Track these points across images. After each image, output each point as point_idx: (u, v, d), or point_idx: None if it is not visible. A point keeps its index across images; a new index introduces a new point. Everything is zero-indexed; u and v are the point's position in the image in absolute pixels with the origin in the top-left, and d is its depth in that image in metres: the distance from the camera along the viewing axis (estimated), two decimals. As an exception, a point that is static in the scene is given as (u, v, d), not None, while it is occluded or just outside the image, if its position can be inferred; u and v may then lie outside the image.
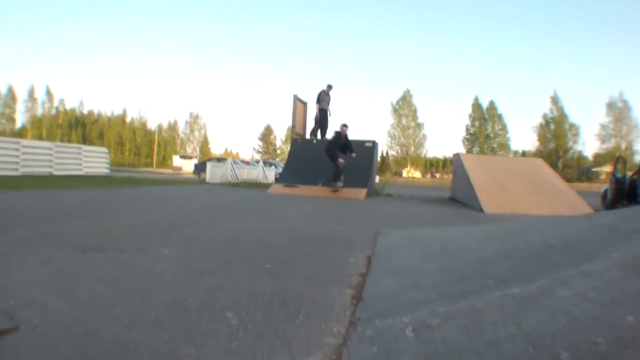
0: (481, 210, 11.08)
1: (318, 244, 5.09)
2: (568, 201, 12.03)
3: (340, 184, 14.89)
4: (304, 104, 20.92)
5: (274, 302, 2.83)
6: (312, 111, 19.39)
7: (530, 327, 1.68)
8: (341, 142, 15.38)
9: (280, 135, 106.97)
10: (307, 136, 20.17)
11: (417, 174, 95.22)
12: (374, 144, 17.31)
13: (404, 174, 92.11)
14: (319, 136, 19.18)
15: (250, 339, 2.20)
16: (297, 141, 18.76)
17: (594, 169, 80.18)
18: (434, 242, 4.52)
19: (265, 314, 2.60)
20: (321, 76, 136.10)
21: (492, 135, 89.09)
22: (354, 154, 15.33)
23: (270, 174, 33.69)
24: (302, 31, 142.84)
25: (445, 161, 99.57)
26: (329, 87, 19.19)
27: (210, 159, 40.28)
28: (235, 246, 4.80)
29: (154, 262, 3.85)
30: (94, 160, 25.94)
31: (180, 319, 2.48)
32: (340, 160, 14.92)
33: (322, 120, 19.17)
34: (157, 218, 7.08)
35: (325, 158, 15.22)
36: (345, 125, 15.45)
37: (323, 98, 18.80)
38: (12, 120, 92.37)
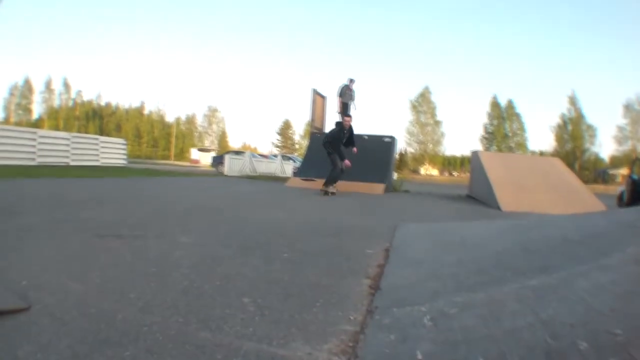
0: (498, 208, 10.93)
1: (336, 236, 5.09)
2: (584, 201, 11.84)
3: (333, 189, 12.25)
4: (323, 98, 20.80)
5: (291, 290, 2.84)
6: (333, 105, 19.33)
7: (548, 317, 1.67)
8: (343, 135, 12.84)
9: (299, 130, 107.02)
10: (326, 130, 19.78)
11: (435, 172, 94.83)
12: (393, 139, 17.10)
13: (422, 172, 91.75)
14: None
15: (266, 325, 2.21)
16: (316, 135, 18.58)
17: (610, 171, 79.10)
18: (452, 236, 4.50)
19: (282, 300, 2.61)
20: (341, 70, 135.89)
21: (510, 134, 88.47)
22: (355, 149, 13.15)
23: (288, 168, 33.71)
24: (322, 25, 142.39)
25: (463, 160, 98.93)
26: (351, 81, 18.94)
27: (228, 152, 40.36)
28: (253, 235, 4.83)
29: (171, 248, 3.90)
30: (111, 152, 26.00)
31: (196, 303, 2.50)
32: (347, 162, 12.61)
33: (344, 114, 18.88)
34: (175, 207, 7.15)
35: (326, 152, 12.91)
36: (348, 116, 13.23)
37: (345, 92, 18.67)
38: (29, 111, 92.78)
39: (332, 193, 12.05)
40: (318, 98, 20.07)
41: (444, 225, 5.99)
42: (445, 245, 3.99)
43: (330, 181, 12.29)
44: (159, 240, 4.20)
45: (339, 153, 12.73)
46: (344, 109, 18.77)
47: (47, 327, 2.07)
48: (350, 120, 13.04)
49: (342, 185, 14.21)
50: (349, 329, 2.15)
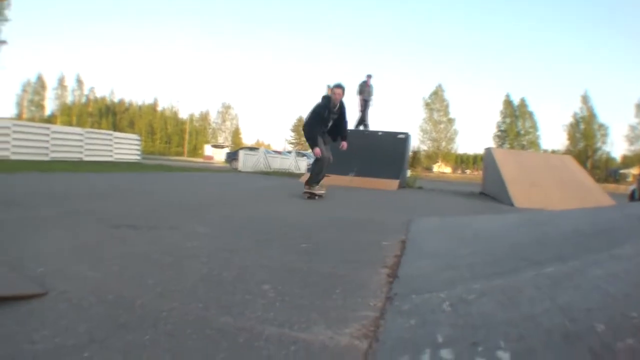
0: (511, 204, 10.93)
1: (352, 229, 5.16)
2: (596, 199, 11.76)
3: (320, 190, 9.19)
4: None
5: (310, 278, 2.88)
6: (352, 103, 19.23)
7: (565, 302, 1.70)
8: (329, 114, 9.11)
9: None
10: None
11: (448, 170, 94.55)
12: (407, 136, 17.03)
13: (435, 169, 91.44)
14: (362, 127, 18.97)
15: (287, 310, 2.25)
16: None
17: (621, 171, 78.38)
18: (467, 228, 4.52)
19: (302, 288, 2.65)
20: (355, 67, 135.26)
21: (522, 132, 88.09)
22: (344, 143, 9.56)
23: (302, 164, 33.80)
24: (336, 21, 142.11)
25: (475, 158, 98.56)
26: (369, 76, 19.04)
27: (242, 148, 40.51)
28: (270, 227, 4.90)
29: (187, 239, 3.96)
30: (124, 147, 26.09)
31: (216, 290, 2.54)
32: (343, 143, 9.50)
33: (365, 111, 19.05)
34: (190, 200, 7.28)
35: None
36: (339, 87, 9.06)
37: (364, 89, 18.75)
38: (42, 107, 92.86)
39: (319, 195, 9.05)
40: None
41: (458, 219, 6.02)
42: (460, 238, 4.01)
43: (314, 179, 9.09)
44: (175, 232, 4.26)
45: (324, 139, 9.34)
46: (364, 107, 18.74)
47: (65, 312, 2.09)
48: (342, 94, 9.06)
49: (355, 181, 14.33)
50: (369, 315, 2.19)
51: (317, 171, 9.23)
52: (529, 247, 3.01)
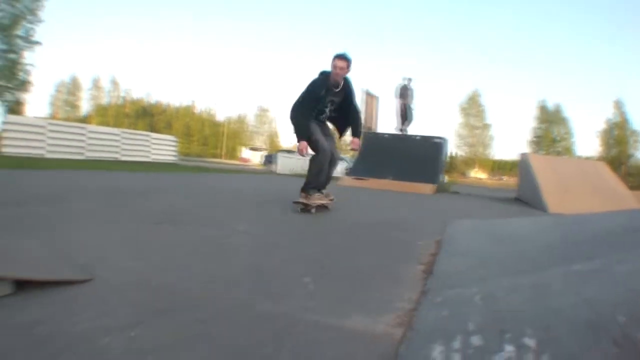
0: (545, 210, 10.82)
1: (389, 229, 5.28)
2: (629, 206, 11.54)
3: (323, 200, 6.51)
4: (375, 98, 20.64)
5: (348, 272, 3.02)
6: (392, 107, 19.11)
7: (590, 296, 1.77)
8: (327, 97, 6.46)
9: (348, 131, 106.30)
10: (378, 130, 19.90)
11: (484, 176, 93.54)
12: (444, 140, 16.93)
13: (471, 175, 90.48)
14: (407, 131, 18.82)
15: (326, 300, 2.37)
16: (367, 135, 18.34)
17: (655, 178, 77.00)
18: (500, 230, 4.59)
19: (340, 281, 2.79)
20: (390, 71, 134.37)
21: (558, 139, 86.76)
22: (356, 140, 6.92)
23: (340, 168, 33.83)
24: (370, 24, 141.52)
25: (512, 164, 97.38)
26: (409, 80, 18.82)
27: (280, 151, 40.74)
28: (308, 226, 5.07)
29: (228, 234, 4.11)
30: (161, 148, 26.06)
31: (258, 280, 2.70)
32: (355, 141, 6.91)
33: (406, 115, 18.88)
34: (229, 200, 7.50)
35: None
36: (341, 58, 6.23)
37: (404, 92, 18.60)
38: (77, 107, 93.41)
39: (318, 207, 6.34)
40: (369, 98, 19.88)
41: (491, 221, 6.06)
42: (494, 238, 4.06)
43: (312, 183, 6.34)
44: (216, 227, 4.42)
45: (323, 130, 6.63)
46: (406, 111, 18.68)
47: (107, 296, 2.20)
48: (346, 68, 6.26)
49: (392, 184, 14.16)
50: (405, 306, 2.29)
51: (315, 172, 6.34)
52: (559, 246, 3.06)
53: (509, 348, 1.53)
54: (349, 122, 6.84)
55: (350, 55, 6.28)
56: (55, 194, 6.16)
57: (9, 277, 2.07)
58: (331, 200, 6.73)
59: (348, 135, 7.14)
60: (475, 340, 1.65)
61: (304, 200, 6.20)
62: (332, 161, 6.59)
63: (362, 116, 18.75)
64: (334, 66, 6.22)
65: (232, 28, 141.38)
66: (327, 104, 6.53)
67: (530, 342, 1.53)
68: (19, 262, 2.46)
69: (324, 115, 6.65)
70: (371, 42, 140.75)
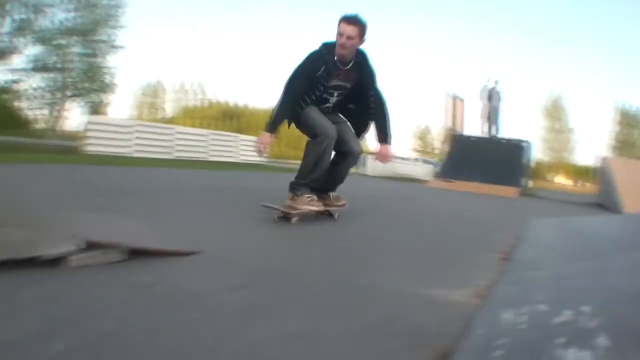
0: (621, 212, 10.67)
1: (473, 225, 5.69)
2: None
3: (311, 206, 4.48)
4: (461, 100, 20.40)
5: (435, 256, 3.52)
6: (476, 109, 18.82)
7: (642, 278, 2.08)
8: (332, 75, 4.48)
9: (438, 134, 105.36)
10: (464, 133, 19.64)
11: (568, 181, 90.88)
12: (528, 144, 16.63)
13: (555, 180, 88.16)
14: (493, 133, 18.57)
15: (414, 277, 2.78)
16: (455, 138, 18.52)
17: None
18: (573, 226, 4.81)
19: (427, 264, 3.26)
20: (473, 72, 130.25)
21: (638, 143, 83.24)
22: (384, 148, 4.92)
23: (428, 171, 33.79)
24: (457, 25, 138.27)
25: (594, 169, 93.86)
26: (496, 82, 18.52)
27: (369, 153, 41.05)
28: (402, 217, 5.73)
29: (325, 225, 4.57)
30: (250, 149, 25.47)
31: (355, 260, 3.21)
32: (382, 150, 4.95)
33: (492, 118, 18.62)
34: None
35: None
36: (350, 20, 4.26)
37: (492, 94, 18.37)
38: (161, 109, 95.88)
39: (305, 213, 4.46)
40: (455, 101, 19.71)
41: (566, 219, 6.30)
42: (566, 233, 4.31)
43: (304, 176, 4.60)
44: (315, 219, 4.79)
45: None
46: (494, 115, 18.47)
47: (214, 265, 2.58)
48: (358, 37, 4.33)
49: (477, 187, 14.07)
50: (482, 283, 2.62)
51: (309, 162, 4.51)
52: (623, 238, 3.31)
53: (567, 312, 1.83)
54: (369, 118, 4.85)
55: (363, 17, 4.32)
56: (157, 187, 6.83)
57: (125, 246, 2.43)
58: (341, 205, 4.87)
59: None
60: (541, 307, 1.96)
61: (288, 208, 4.35)
62: (348, 155, 4.77)
63: (448, 119, 18.63)
64: (339, 33, 4.27)
65: (314, 28, 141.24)
66: (329, 89, 4.57)
67: (586, 309, 1.83)
68: (131, 235, 2.83)
69: (327, 106, 4.73)
70: (454, 42, 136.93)
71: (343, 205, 4.86)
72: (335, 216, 4.84)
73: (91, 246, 2.29)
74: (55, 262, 2.16)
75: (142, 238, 2.82)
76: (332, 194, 4.86)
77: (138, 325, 1.63)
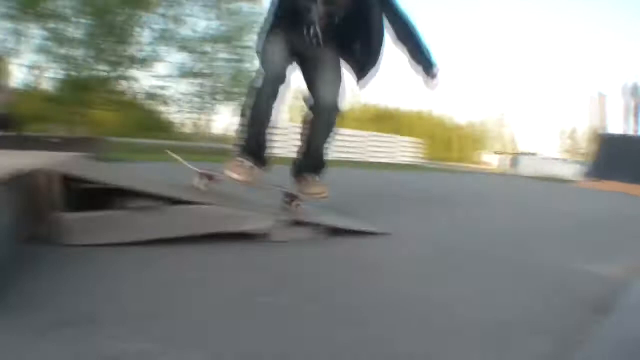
0: None
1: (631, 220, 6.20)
2: None
3: (242, 177, 2.93)
4: (605, 97, 19.13)
5: (587, 242, 3.98)
6: (618, 106, 17.84)
7: None
8: None
9: (583, 134, 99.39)
10: (609, 131, 18.36)
11: None
12: None
13: None
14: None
15: (574, 256, 3.26)
16: (602, 137, 17.46)
17: None
18: None
19: (581, 248, 3.68)
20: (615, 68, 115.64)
21: None
22: (429, 73, 3.38)
23: (576, 171, 32.36)
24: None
25: None
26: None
27: (520, 154, 40.09)
28: (545, 216, 5.94)
29: (470, 215, 5.26)
30: (407, 151, 26.64)
31: (514, 243, 3.64)
32: (432, 74, 3.40)
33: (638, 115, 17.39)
34: (467, 194, 8.72)
35: None
36: None
37: (635, 92, 17.38)
38: None
39: (237, 179, 2.94)
40: (599, 99, 18.85)
41: None
42: None
43: (242, 138, 3.16)
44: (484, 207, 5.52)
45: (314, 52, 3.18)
46: (637, 111, 17.46)
47: (403, 241, 3.15)
48: None
49: (626, 187, 12.77)
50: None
51: (248, 116, 3.15)
52: None
53: None
54: (410, 42, 3.38)
55: None
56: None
57: (325, 225, 2.93)
58: (317, 194, 3.24)
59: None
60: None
61: (220, 172, 3.09)
62: (317, 110, 3.20)
63: (594, 118, 18.58)
64: None
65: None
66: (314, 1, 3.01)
67: None
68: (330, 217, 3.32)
69: (312, 31, 3.12)
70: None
71: (319, 195, 3.23)
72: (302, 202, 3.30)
73: (295, 224, 2.76)
74: (262, 237, 2.58)
75: (339, 222, 3.22)
76: (309, 177, 3.30)
77: (336, 288, 2.04)
